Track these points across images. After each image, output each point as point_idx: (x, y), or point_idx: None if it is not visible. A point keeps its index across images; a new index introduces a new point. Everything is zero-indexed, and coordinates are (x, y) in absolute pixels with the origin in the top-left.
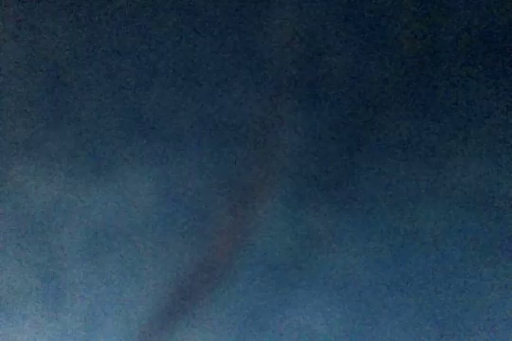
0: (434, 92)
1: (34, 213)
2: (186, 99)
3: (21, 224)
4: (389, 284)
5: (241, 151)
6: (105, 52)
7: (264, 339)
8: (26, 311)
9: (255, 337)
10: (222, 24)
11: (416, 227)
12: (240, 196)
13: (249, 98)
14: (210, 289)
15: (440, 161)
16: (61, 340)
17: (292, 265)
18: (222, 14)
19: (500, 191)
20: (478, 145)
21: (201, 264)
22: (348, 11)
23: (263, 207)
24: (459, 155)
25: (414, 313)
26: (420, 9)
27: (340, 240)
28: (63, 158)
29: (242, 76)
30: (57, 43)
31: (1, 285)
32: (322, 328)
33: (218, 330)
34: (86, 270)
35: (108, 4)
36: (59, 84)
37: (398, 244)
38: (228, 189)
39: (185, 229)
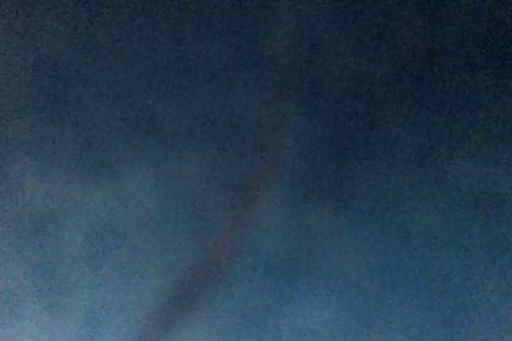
0: (434, 92)
1: (34, 213)
2: (186, 99)
3: (20, 224)
4: (388, 284)
5: (241, 151)
6: (105, 51)
7: (264, 339)
8: (26, 310)
9: (255, 337)
10: (222, 24)
11: (416, 227)
12: (240, 196)
13: (250, 97)
14: (210, 289)
15: (439, 161)
16: (61, 339)
17: (292, 265)
18: (222, 14)
19: (500, 191)
20: (478, 145)
21: (201, 264)
22: (348, 11)
23: (262, 207)
24: (459, 155)
25: (414, 312)
26: (420, 9)
27: (340, 240)
28: (62, 158)
29: (242, 76)
30: (57, 43)
31: (1, 284)
32: (322, 327)
33: (218, 330)
34: (86, 269)
35: (108, 4)
36: (59, 84)
37: (398, 244)
38: (227, 189)
39: (185, 229)
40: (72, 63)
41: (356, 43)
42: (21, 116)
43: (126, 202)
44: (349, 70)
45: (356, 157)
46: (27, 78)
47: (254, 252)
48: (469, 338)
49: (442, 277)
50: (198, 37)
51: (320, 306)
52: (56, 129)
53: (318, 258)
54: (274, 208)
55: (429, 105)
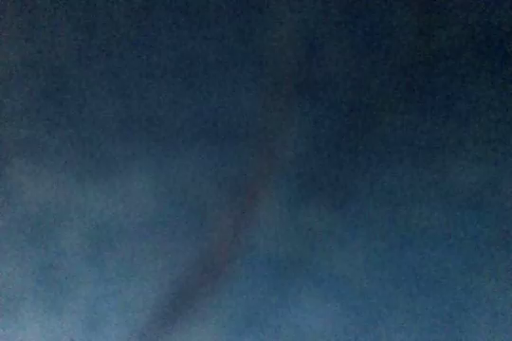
0: (434, 92)
1: (34, 213)
2: (186, 99)
3: (21, 224)
4: (388, 283)
5: (241, 150)
6: (105, 51)
7: (263, 339)
8: (26, 310)
9: (255, 337)
10: (222, 23)
11: (416, 227)
12: (240, 196)
13: (249, 97)
14: (210, 289)
15: (440, 161)
16: (61, 339)
17: (292, 265)
18: (222, 14)
19: (500, 191)
20: (478, 145)
21: (201, 264)
22: (348, 11)
23: (262, 207)
24: (459, 156)
25: (413, 311)
26: (420, 10)
27: (340, 239)
28: (63, 158)
29: (242, 76)
30: (57, 43)
31: (1, 284)
32: (322, 327)
33: (218, 330)
34: (86, 269)
35: (108, 4)
36: (59, 84)
37: (398, 244)
38: (227, 189)
39: (185, 229)
40: (71, 64)
41: (355, 43)
42: (20, 117)
43: (126, 202)
44: (349, 70)
45: (356, 157)
46: (26, 78)
47: (254, 252)
48: (470, 338)
49: (442, 276)
50: (198, 37)
51: (321, 305)
52: (55, 129)
53: (318, 257)
54: (274, 208)
55: (430, 106)
